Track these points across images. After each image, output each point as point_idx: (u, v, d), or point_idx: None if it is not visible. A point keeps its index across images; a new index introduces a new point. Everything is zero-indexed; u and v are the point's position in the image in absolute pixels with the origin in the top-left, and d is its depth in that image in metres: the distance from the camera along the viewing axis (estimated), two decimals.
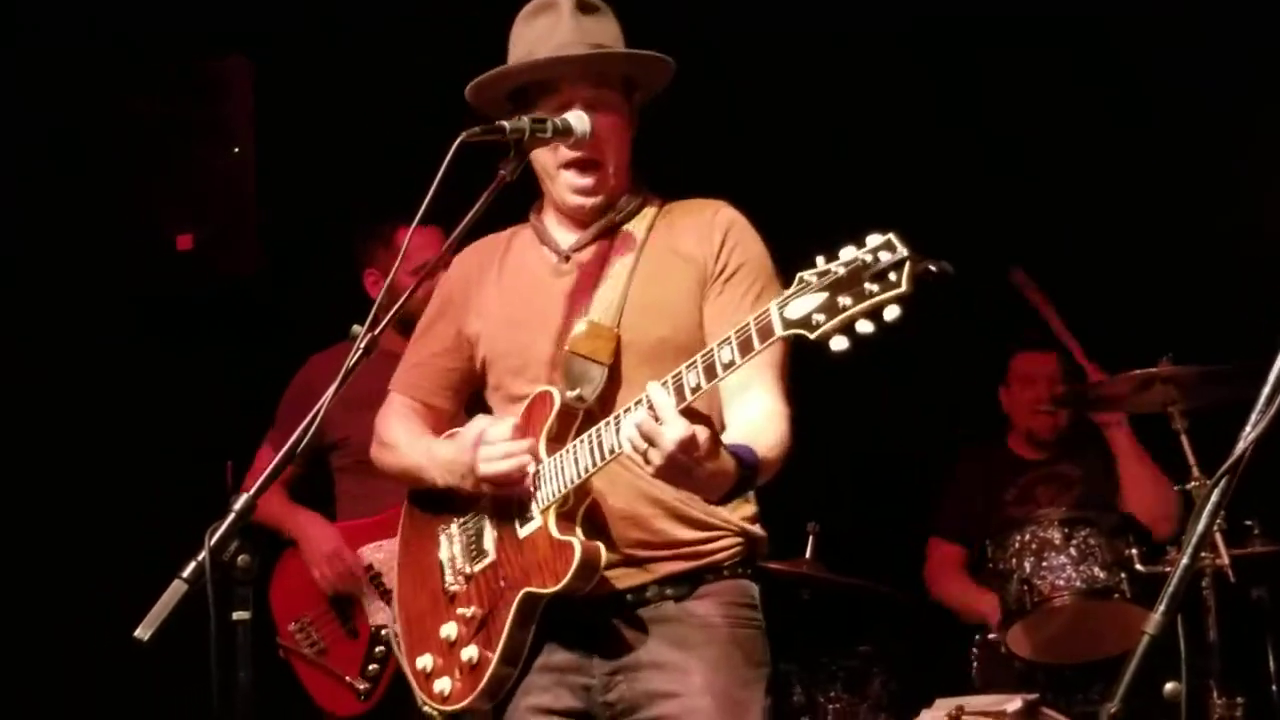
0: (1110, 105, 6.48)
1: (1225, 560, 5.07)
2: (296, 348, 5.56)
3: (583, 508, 3.36)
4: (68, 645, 6.21)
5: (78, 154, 6.26)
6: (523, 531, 3.39)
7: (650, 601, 3.40)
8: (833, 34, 6.48)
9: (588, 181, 3.53)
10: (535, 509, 3.37)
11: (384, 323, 3.21)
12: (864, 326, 2.79)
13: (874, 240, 2.81)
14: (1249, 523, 5.30)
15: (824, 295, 2.82)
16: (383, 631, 5.15)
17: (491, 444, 3.41)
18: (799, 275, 2.88)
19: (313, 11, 6.44)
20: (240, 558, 2.95)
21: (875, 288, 2.76)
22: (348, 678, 5.15)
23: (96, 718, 6.30)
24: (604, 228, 3.59)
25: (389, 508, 5.19)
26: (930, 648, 6.09)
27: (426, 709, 3.58)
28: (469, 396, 3.77)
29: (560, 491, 3.32)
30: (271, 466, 3.10)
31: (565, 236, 3.63)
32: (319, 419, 3.10)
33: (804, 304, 2.85)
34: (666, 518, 3.41)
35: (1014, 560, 5.37)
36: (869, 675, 5.74)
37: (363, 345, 3.16)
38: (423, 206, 3.22)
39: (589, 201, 3.56)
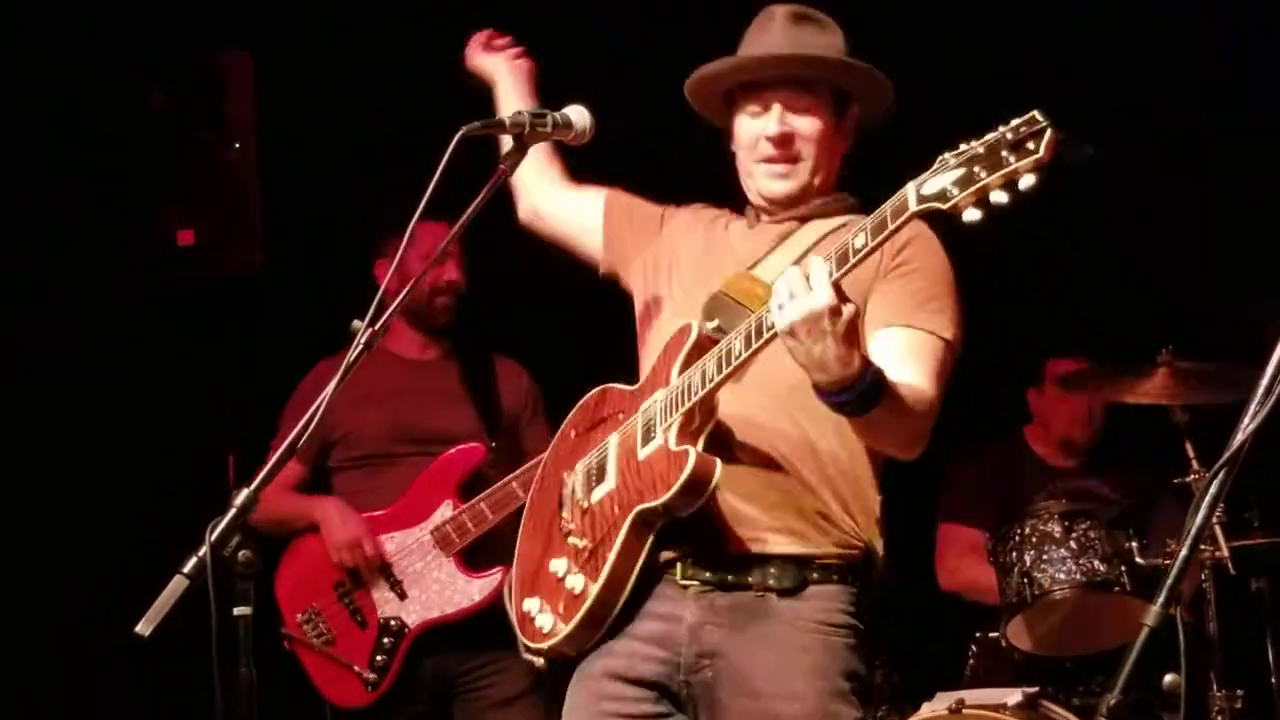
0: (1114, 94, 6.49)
1: (1225, 552, 5.09)
2: (299, 343, 5.56)
3: (708, 429, 3.33)
4: (69, 641, 6.22)
5: (78, 149, 6.26)
6: (643, 452, 3.36)
7: (753, 589, 3.35)
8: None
9: (782, 167, 3.56)
10: (659, 428, 3.34)
11: (388, 314, 3.22)
12: (998, 197, 2.84)
13: (1016, 120, 2.85)
14: (1248, 515, 5.30)
15: (961, 170, 2.87)
16: (391, 622, 5.17)
17: None
18: (940, 156, 2.93)
19: (314, 4, 6.45)
20: (241, 553, 2.95)
21: (1012, 157, 2.81)
22: (356, 667, 5.17)
23: (98, 714, 6.31)
24: (801, 214, 3.60)
25: (394, 502, 5.25)
26: (931, 641, 6.09)
27: (527, 655, 3.51)
28: None
29: (684, 405, 3.29)
30: (273, 461, 3.11)
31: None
32: (320, 415, 3.10)
33: (941, 180, 2.89)
34: (785, 506, 3.36)
35: (1014, 553, 5.37)
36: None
37: (363, 340, 3.16)
38: (423, 200, 3.23)
39: (781, 186, 3.57)
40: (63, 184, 6.29)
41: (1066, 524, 5.33)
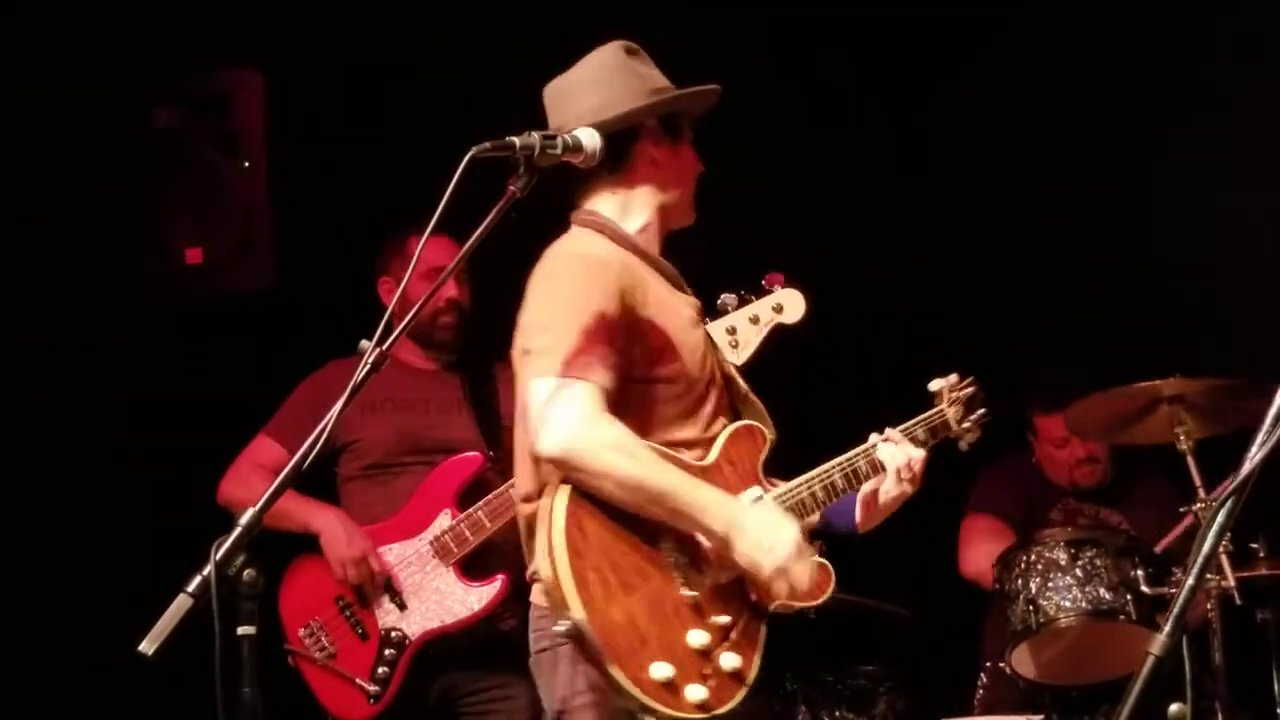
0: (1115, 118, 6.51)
1: (1231, 582, 5.07)
2: (306, 362, 5.56)
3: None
4: (73, 660, 6.21)
5: (88, 166, 6.27)
6: None
7: None
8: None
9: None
10: None
11: (393, 337, 3.21)
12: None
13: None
14: (1254, 545, 5.29)
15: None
16: (392, 634, 5.18)
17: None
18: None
19: (323, 24, 6.46)
20: (246, 572, 2.94)
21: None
22: (358, 680, 5.17)
23: None
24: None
25: (398, 511, 5.25)
26: (936, 667, 6.08)
27: (648, 718, 3.45)
28: None
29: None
30: (279, 480, 3.07)
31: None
32: (329, 427, 3.09)
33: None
34: None
35: (1019, 580, 5.36)
36: (875, 695, 5.74)
37: (371, 360, 3.16)
38: (433, 220, 3.23)
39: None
40: (71, 203, 6.29)
41: (1073, 551, 5.31)
